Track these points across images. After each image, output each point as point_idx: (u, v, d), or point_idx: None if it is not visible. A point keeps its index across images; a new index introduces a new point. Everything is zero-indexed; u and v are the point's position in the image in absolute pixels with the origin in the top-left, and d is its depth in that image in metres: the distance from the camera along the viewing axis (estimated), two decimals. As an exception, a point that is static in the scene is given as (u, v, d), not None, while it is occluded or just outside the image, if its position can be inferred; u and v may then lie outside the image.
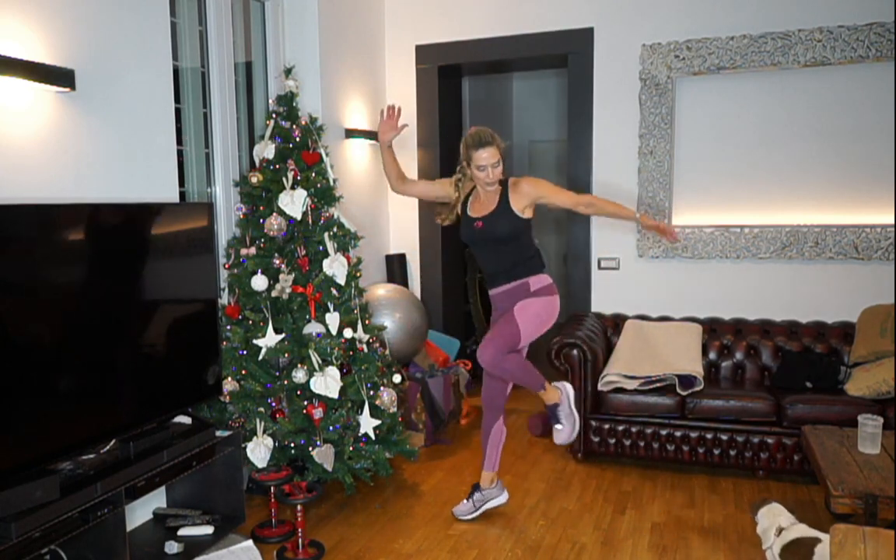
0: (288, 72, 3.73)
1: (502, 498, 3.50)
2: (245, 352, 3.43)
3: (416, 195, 3.68)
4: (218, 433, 3.12)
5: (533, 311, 3.21)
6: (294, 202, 3.48)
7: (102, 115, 2.89)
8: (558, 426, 3.31)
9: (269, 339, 3.38)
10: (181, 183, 3.54)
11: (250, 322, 3.47)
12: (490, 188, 3.25)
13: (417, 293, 5.29)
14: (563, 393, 3.32)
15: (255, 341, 3.39)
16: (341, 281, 3.53)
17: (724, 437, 3.84)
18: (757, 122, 4.40)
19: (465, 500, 3.49)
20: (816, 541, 2.49)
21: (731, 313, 4.46)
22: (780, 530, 2.58)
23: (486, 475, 3.48)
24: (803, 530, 2.56)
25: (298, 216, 3.50)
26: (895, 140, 4.10)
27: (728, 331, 4.33)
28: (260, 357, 3.41)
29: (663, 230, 3.32)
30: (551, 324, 3.31)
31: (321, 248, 3.57)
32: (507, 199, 3.24)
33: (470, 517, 3.44)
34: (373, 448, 3.53)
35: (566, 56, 4.81)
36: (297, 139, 3.62)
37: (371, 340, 3.69)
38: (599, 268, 4.78)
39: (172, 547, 2.90)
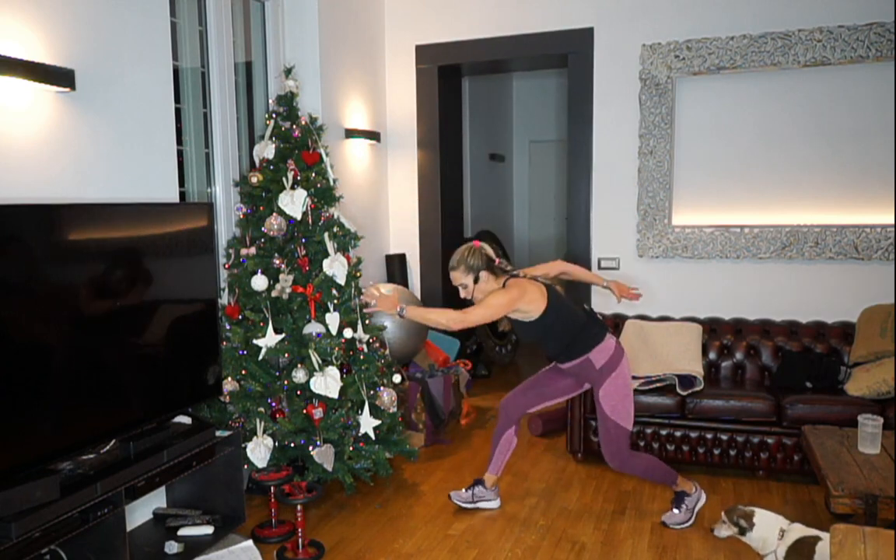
0: (288, 72, 3.73)
1: (494, 504, 3.53)
2: (245, 352, 3.43)
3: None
4: (218, 433, 3.12)
5: (614, 396, 3.21)
6: (294, 202, 3.48)
7: (102, 115, 2.89)
8: (675, 510, 3.33)
9: (269, 339, 3.38)
10: (181, 183, 3.54)
11: (250, 322, 3.47)
12: (478, 296, 3.18)
13: (417, 293, 5.29)
14: (697, 492, 3.35)
15: (255, 341, 3.39)
16: (341, 281, 3.53)
17: (724, 437, 3.84)
18: (757, 122, 4.40)
19: (464, 489, 3.54)
20: (817, 539, 2.49)
21: (731, 313, 4.46)
22: (782, 533, 2.57)
23: (490, 477, 3.52)
24: (803, 529, 2.56)
25: (298, 216, 3.50)
26: (895, 140, 4.10)
27: (728, 331, 4.33)
28: (260, 357, 3.41)
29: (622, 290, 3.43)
30: (630, 379, 3.29)
31: (321, 248, 3.57)
32: None
33: (464, 505, 3.49)
34: (373, 448, 3.53)
35: (566, 56, 4.82)
36: (297, 139, 3.62)
37: (371, 340, 3.69)
38: (599, 268, 4.78)
39: (172, 547, 2.90)
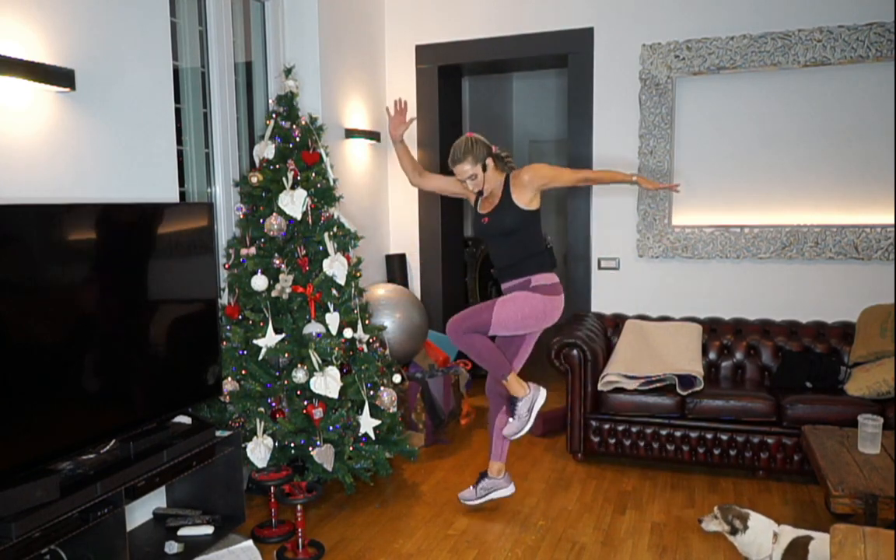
0: (288, 72, 3.73)
1: (509, 489, 3.51)
2: (245, 352, 3.43)
3: (434, 189, 3.68)
4: (218, 433, 3.12)
5: (517, 305, 3.20)
6: (294, 202, 3.48)
7: (102, 115, 2.89)
8: (511, 419, 3.26)
9: (269, 339, 3.38)
10: (181, 183, 3.54)
11: (250, 322, 3.47)
12: (487, 186, 3.30)
13: (417, 293, 5.29)
14: (531, 393, 3.24)
15: (255, 341, 3.40)
16: (341, 281, 3.53)
17: (724, 437, 3.84)
18: (757, 122, 4.40)
19: (471, 487, 3.53)
20: (809, 539, 2.48)
21: (731, 313, 4.46)
22: (776, 536, 2.56)
23: (494, 465, 3.50)
24: (794, 531, 2.55)
25: (298, 216, 3.50)
26: (895, 140, 4.10)
27: (728, 331, 4.33)
28: (260, 357, 3.41)
29: (664, 186, 3.48)
30: (544, 323, 3.29)
31: (321, 248, 3.57)
32: (509, 193, 3.27)
33: (472, 503, 3.48)
34: (373, 448, 3.53)
35: (566, 56, 4.81)
36: (297, 139, 3.62)
37: (371, 340, 3.69)
38: (599, 268, 4.78)
39: (172, 547, 2.90)
